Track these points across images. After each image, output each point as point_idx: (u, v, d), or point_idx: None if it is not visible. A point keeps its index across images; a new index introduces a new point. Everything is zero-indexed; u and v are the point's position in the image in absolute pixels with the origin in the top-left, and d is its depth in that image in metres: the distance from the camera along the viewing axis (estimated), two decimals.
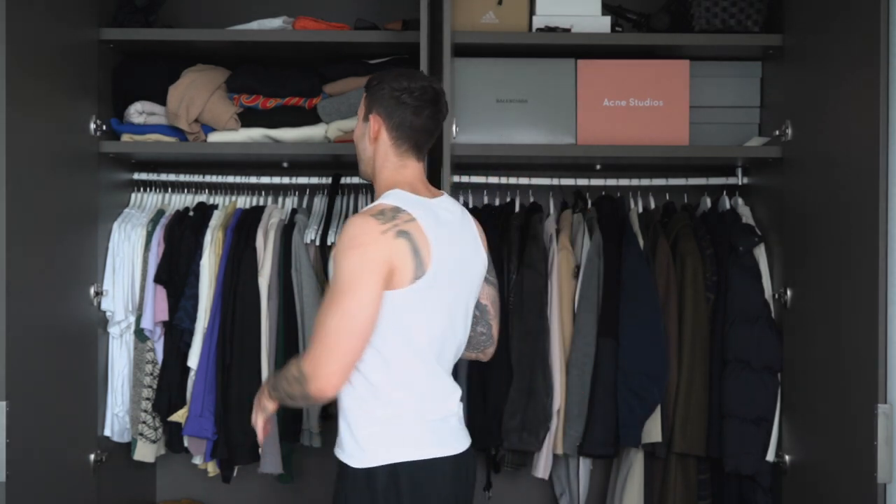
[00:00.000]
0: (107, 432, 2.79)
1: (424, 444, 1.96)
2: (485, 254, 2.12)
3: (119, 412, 2.81)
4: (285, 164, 3.00)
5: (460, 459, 2.02)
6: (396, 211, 1.93)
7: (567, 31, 2.73)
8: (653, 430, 2.67)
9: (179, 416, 2.76)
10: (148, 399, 2.82)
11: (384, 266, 1.86)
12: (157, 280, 2.79)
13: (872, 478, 2.11)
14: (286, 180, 3.00)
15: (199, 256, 2.79)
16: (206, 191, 3.03)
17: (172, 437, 2.82)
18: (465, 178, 2.92)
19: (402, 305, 1.91)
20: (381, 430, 1.94)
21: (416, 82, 2.02)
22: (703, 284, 2.72)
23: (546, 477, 2.75)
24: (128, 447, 2.86)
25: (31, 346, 2.31)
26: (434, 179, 2.37)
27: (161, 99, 2.79)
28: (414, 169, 2.05)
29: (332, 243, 2.90)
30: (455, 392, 2.05)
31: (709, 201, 2.94)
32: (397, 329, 1.92)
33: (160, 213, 2.93)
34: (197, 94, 2.76)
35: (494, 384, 2.70)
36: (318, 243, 2.88)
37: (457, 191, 2.97)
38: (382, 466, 1.92)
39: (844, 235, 2.28)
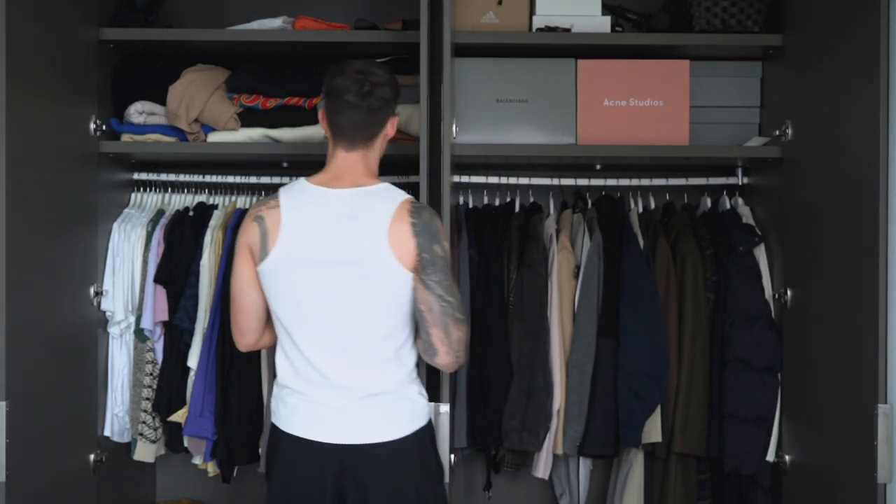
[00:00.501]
0: (107, 432, 2.79)
1: (283, 418, 2.14)
2: (391, 251, 2.05)
3: (119, 412, 2.81)
4: (285, 164, 3.00)
5: (334, 450, 2.08)
6: (271, 198, 2.15)
7: (567, 31, 2.72)
8: (653, 430, 2.67)
9: (179, 416, 2.76)
10: (148, 399, 2.81)
11: (245, 245, 2.14)
12: (157, 280, 2.79)
13: (872, 478, 2.11)
14: (286, 180, 2.99)
15: (199, 256, 2.79)
16: (206, 191, 3.03)
17: (172, 437, 2.82)
18: (465, 178, 2.92)
19: (262, 283, 2.14)
20: (275, 393, 2.18)
21: (342, 76, 2.12)
22: (703, 284, 2.72)
23: (546, 477, 2.75)
24: (128, 447, 2.86)
25: (31, 346, 2.31)
26: (434, 179, 2.37)
27: (161, 99, 2.79)
28: (340, 159, 2.15)
29: None
30: (331, 385, 2.09)
31: (709, 201, 2.94)
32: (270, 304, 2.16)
33: (160, 213, 2.93)
34: (197, 94, 2.76)
35: (494, 384, 2.70)
36: None
37: (457, 191, 2.97)
38: (272, 423, 2.18)
39: (844, 235, 2.28)
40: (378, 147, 2.18)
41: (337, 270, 2.07)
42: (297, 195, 2.13)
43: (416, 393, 2.16)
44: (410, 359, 2.16)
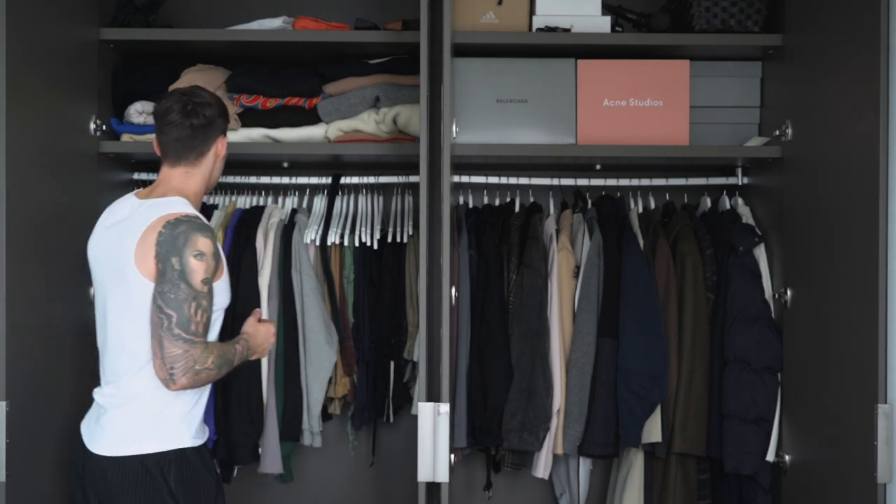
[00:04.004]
0: None
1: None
2: (134, 261, 2.09)
3: None
4: (285, 164, 3.00)
5: (87, 457, 2.16)
6: None
7: (567, 31, 2.73)
8: (653, 430, 2.67)
9: None
10: None
11: None
12: None
13: (872, 478, 2.12)
14: (286, 180, 3.00)
15: None
16: None
17: None
18: (465, 178, 2.92)
19: None
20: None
21: (167, 98, 2.23)
22: (703, 284, 2.72)
23: (546, 477, 2.76)
24: None
25: (31, 346, 2.31)
26: (434, 179, 2.37)
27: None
28: (164, 174, 2.25)
29: (333, 243, 2.90)
30: (99, 394, 2.19)
31: (709, 201, 2.94)
32: None
33: None
34: None
35: (494, 384, 2.70)
36: (318, 243, 2.88)
37: (457, 191, 2.97)
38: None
39: (844, 235, 2.28)
40: (207, 166, 2.25)
41: (107, 280, 2.16)
42: (112, 206, 2.26)
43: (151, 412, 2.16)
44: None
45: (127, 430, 2.11)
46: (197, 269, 2.07)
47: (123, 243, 2.11)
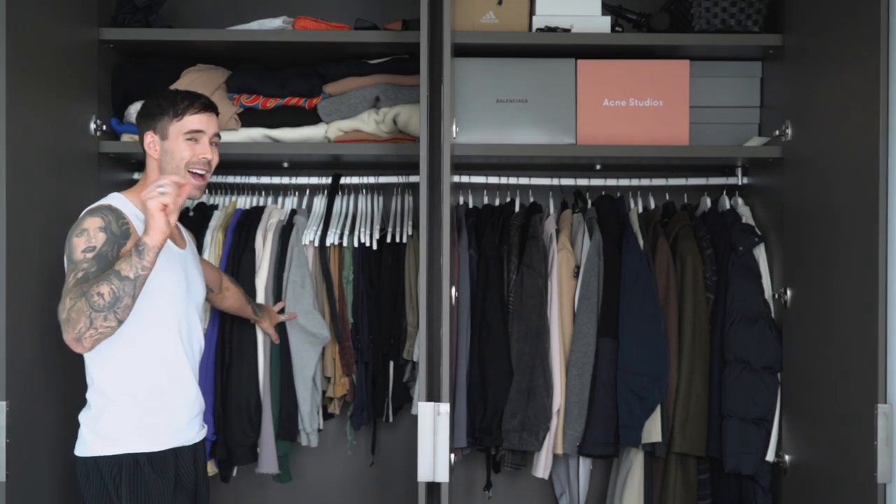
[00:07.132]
0: None
1: None
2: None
3: None
4: (285, 164, 3.00)
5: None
6: None
7: (567, 31, 2.73)
8: (653, 430, 2.67)
9: None
10: None
11: None
12: None
13: (872, 478, 2.12)
14: (286, 180, 3.00)
15: None
16: (207, 191, 3.03)
17: None
18: (465, 178, 2.92)
19: None
20: None
21: None
22: (703, 284, 2.72)
23: (546, 477, 2.76)
24: None
25: (31, 346, 2.31)
26: (434, 179, 2.37)
27: None
28: None
29: (332, 244, 2.90)
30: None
31: (709, 201, 2.94)
32: None
33: None
34: None
35: (494, 384, 2.70)
36: (316, 244, 2.88)
37: (457, 191, 2.97)
38: None
39: (844, 235, 2.28)
40: (150, 164, 2.21)
41: None
42: None
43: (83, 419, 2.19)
44: (98, 377, 2.17)
45: (87, 433, 2.16)
46: (77, 244, 2.03)
47: None
